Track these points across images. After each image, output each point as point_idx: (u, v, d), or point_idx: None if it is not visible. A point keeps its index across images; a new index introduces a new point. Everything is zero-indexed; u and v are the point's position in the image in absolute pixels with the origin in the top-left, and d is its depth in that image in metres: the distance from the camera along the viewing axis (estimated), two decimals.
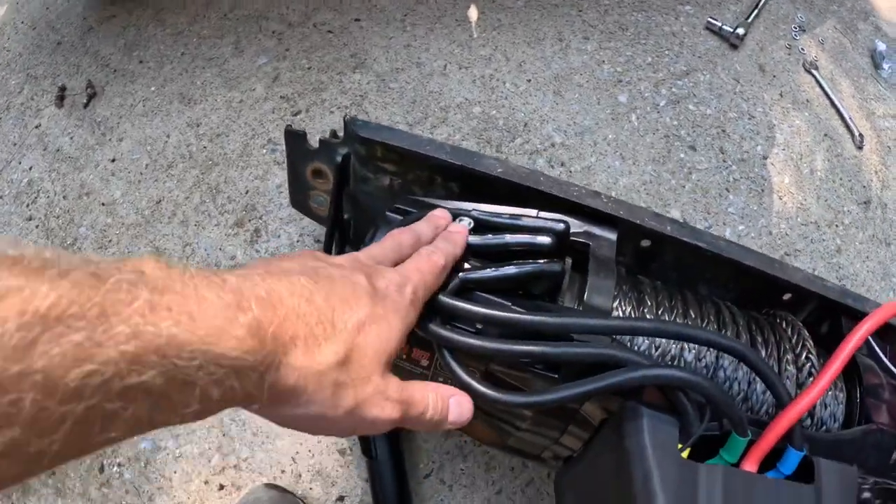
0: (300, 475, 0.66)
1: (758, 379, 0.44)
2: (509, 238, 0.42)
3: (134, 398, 0.17)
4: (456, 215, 0.44)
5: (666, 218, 0.49)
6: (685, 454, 0.36)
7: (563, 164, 0.76)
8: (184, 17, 0.95)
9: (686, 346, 0.43)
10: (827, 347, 0.52)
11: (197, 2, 0.96)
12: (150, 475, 0.68)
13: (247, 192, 0.79)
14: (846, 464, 0.41)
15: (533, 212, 0.47)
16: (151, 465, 0.68)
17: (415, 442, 0.65)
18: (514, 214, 0.46)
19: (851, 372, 0.48)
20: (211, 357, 0.19)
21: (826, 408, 0.47)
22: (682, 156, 0.81)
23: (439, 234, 0.38)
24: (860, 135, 1.01)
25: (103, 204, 0.82)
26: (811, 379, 0.46)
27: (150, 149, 0.85)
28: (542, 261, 0.40)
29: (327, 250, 0.61)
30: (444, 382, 0.45)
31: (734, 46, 0.96)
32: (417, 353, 0.44)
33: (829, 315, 0.55)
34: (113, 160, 0.85)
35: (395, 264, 0.33)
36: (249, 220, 0.78)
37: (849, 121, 1.01)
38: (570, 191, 0.48)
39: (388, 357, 0.28)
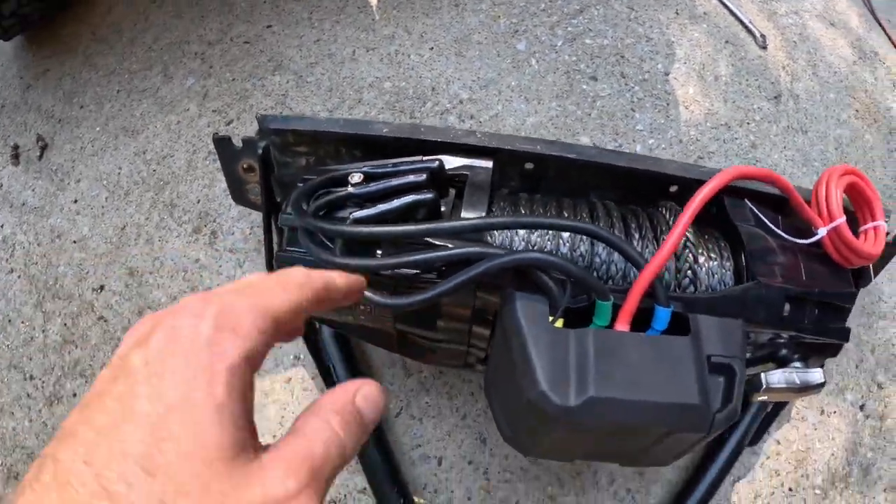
0: None
1: None
2: (391, 182, 0.50)
3: None
4: (348, 173, 0.51)
5: (537, 140, 0.56)
6: (559, 324, 0.44)
7: (472, 117, 0.83)
8: (112, 56, 1.02)
9: (561, 241, 0.50)
10: (717, 227, 0.59)
11: (122, 40, 1.03)
12: None
13: (199, 202, 0.87)
14: (731, 318, 0.47)
15: (418, 158, 0.55)
16: None
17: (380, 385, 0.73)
18: (397, 163, 0.53)
19: (736, 242, 0.54)
20: None
21: (713, 276, 0.53)
22: (584, 87, 0.87)
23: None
24: (762, 35, 1.06)
25: (75, 242, 0.90)
26: (686, 252, 0.53)
27: (107, 183, 0.92)
28: (416, 193, 0.48)
29: (266, 232, 0.69)
30: (363, 310, 0.52)
31: None
32: None
33: (717, 198, 0.60)
34: (75, 201, 0.93)
35: None
36: (206, 225, 0.85)
37: (749, 24, 1.07)
38: (448, 134, 0.56)
39: (227, 448, 0.19)
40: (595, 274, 0.49)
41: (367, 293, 0.42)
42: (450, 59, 0.88)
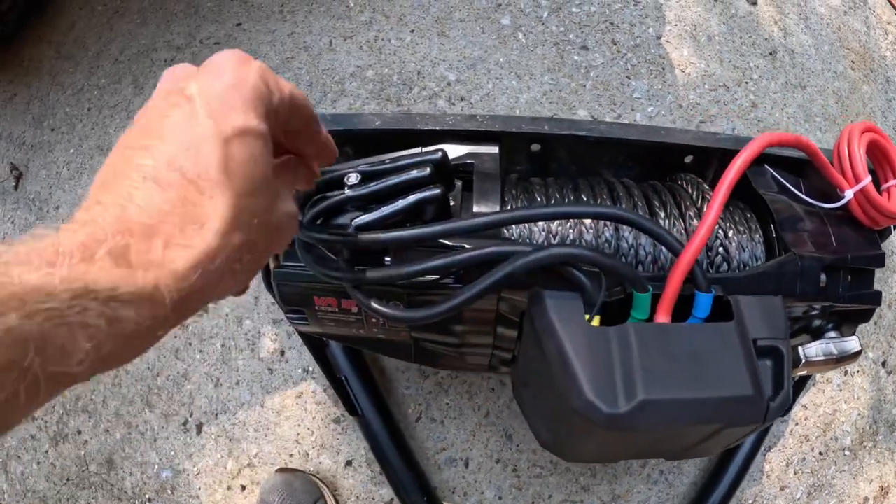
0: (307, 454, 0.67)
1: None
2: (392, 180, 0.41)
3: (10, 345, 0.15)
4: (344, 174, 0.43)
5: (543, 119, 0.48)
6: (596, 323, 0.36)
7: (462, 99, 0.73)
8: (79, 73, 0.91)
9: (584, 228, 0.42)
10: (739, 197, 0.51)
11: (88, 55, 0.92)
12: (179, 499, 0.69)
13: None
14: (770, 295, 0.41)
15: (417, 150, 0.46)
16: (178, 490, 0.70)
17: (397, 391, 0.66)
18: (395, 158, 0.45)
19: (763, 212, 0.47)
20: (80, 294, 0.17)
21: (744, 250, 0.46)
22: (575, 58, 0.78)
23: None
24: None
25: None
26: (717, 228, 0.45)
27: None
28: (421, 190, 0.39)
29: None
30: (375, 323, 0.44)
31: None
32: (346, 304, 0.44)
33: None
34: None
35: None
36: None
37: None
38: (446, 121, 0.47)
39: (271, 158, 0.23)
40: (623, 260, 0.41)
41: (382, 307, 0.34)
42: (433, 41, 0.79)
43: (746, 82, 0.86)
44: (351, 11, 0.83)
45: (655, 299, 0.37)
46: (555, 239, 0.41)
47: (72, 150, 0.86)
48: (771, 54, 0.90)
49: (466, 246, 0.37)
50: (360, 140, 0.50)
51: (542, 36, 0.80)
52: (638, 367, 0.33)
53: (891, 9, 0.99)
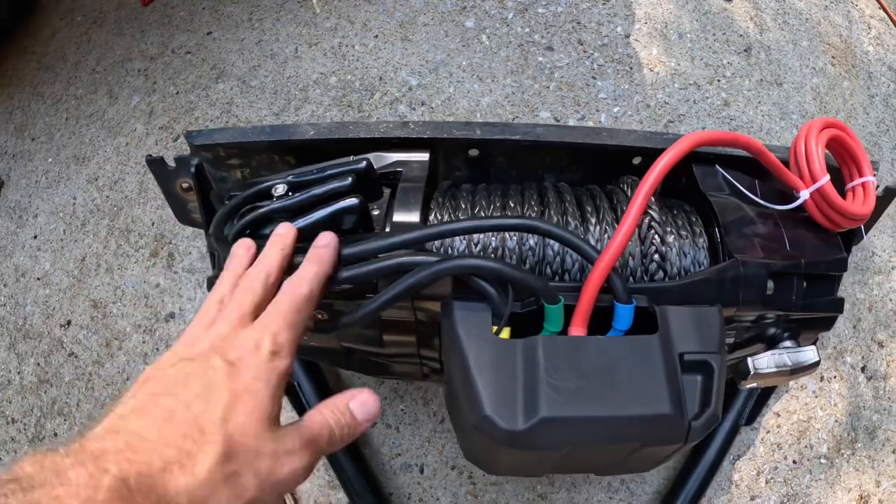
0: None
1: None
2: (315, 190, 0.41)
3: None
4: (272, 186, 0.43)
5: (476, 124, 0.47)
6: (505, 335, 0.35)
7: (423, 104, 0.73)
8: (58, 84, 0.92)
9: (507, 235, 0.41)
10: (688, 199, 0.49)
11: (67, 65, 0.94)
12: None
13: (153, 224, 0.78)
14: (707, 305, 0.39)
15: (346, 159, 0.46)
16: None
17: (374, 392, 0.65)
18: (322, 167, 0.44)
19: (710, 215, 0.45)
20: None
21: (685, 256, 0.44)
22: (540, 59, 0.77)
23: (308, 254, 0.34)
24: None
25: (38, 279, 0.82)
26: (652, 233, 0.44)
27: (63, 215, 0.84)
28: (340, 200, 0.39)
29: (212, 255, 0.60)
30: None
31: None
32: None
33: (684, 167, 0.51)
34: (35, 237, 0.84)
35: (257, 306, 0.31)
36: (162, 248, 0.77)
37: None
38: (378, 129, 0.47)
39: (270, 418, 0.27)
40: (549, 269, 0.40)
41: None
42: (396, 46, 0.78)
43: (719, 80, 0.83)
44: (317, 18, 0.83)
45: (571, 310, 0.36)
46: (476, 247, 0.40)
47: (50, 160, 0.88)
48: (745, 51, 0.87)
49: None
50: (298, 150, 0.50)
51: (506, 38, 0.78)
52: (543, 382, 0.32)
53: (874, 2, 0.95)
